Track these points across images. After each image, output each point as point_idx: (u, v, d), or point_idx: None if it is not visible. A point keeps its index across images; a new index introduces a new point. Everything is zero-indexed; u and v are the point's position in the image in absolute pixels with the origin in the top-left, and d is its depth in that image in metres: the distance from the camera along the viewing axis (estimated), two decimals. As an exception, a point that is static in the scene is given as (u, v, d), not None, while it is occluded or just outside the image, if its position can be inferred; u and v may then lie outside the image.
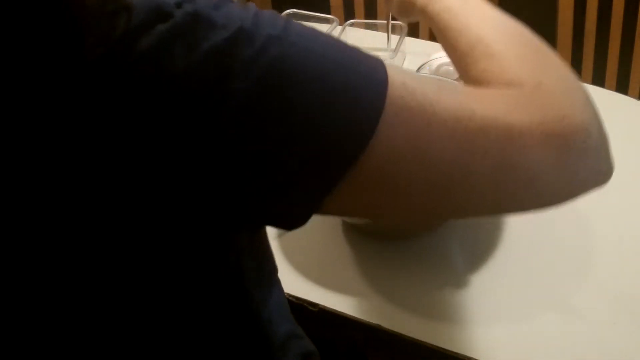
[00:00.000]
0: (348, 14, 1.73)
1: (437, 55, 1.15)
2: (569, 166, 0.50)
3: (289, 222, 0.47)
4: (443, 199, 0.48)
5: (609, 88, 1.18)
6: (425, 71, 1.09)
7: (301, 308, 0.83)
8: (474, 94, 0.51)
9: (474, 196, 0.49)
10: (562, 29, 1.54)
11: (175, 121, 0.40)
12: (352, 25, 1.28)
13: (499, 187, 0.49)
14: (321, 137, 0.43)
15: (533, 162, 0.48)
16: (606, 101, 1.10)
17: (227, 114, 0.40)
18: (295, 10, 1.33)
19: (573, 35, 1.53)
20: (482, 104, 0.48)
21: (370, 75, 0.45)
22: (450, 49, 0.61)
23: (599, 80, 1.51)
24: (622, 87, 1.49)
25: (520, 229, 0.89)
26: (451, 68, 1.12)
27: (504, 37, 0.58)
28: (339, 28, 1.26)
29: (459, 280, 0.83)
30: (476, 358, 0.74)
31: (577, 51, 1.55)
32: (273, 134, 0.42)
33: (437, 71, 1.10)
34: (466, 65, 0.58)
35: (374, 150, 0.44)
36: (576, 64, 1.57)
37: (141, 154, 0.41)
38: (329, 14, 1.33)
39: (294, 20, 0.45)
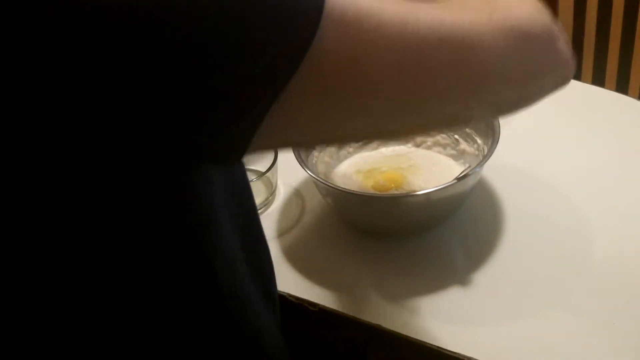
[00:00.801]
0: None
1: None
2: (526, 59, 0.49)
3: (230, 148, 0.43)
4: (395, 104, 0.45)
5: (609, 88, 1.18)
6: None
7: (301, 308, 0.83)
8: None
9: (432, 97, 0.46)
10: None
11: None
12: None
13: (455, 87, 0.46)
14: (256, 34, 0.38)
15: (490, 57, 0.46)
16: (606, 101, 1.10)
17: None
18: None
19: (573, 35, 1.53)
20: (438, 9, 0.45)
21: None
22: None
23: (599, 80, 1.51)
24: (622, 87, 1.49)
25: (520, 229, 0.89)
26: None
27: None
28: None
29: (459, 280, 0.83)
30: (476, 358, 0.74)
31: (577, 51, 1.54)
32: (205, 31, 0.38)
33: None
34: None
35: (317, 50, 0.40)
36: (576, 64, 1.56)
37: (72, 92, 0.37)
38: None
39: None
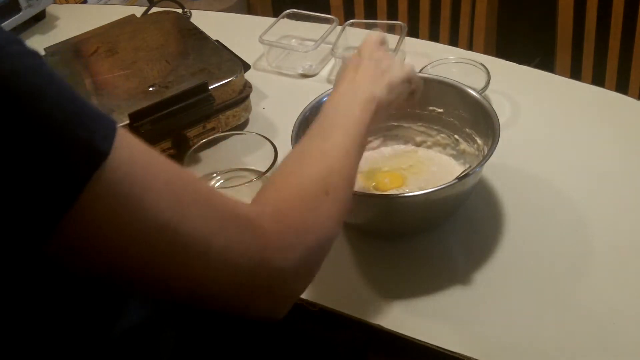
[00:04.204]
0: (348, 14, 1.73)
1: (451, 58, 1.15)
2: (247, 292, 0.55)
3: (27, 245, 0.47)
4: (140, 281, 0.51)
5: (609, 88, 1.18)
6: (427, 71, 1.09)
7: (301, 308, 0.83)
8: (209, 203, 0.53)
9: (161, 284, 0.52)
10: (562, 29, 1.54)
11: None
12: (352, 25, 1.28)
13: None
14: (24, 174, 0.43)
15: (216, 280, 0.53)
16: (606, 101, 1.10)
17: None
18: (295, 10, 1.33)
19: (573, 35, 1.53)
20: (200, 217, 0.51)
21: (94, 126, 0.46)
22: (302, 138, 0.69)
23: (599, 80, 1.51)
24: (622, 87, 1.49)
25: (521, 229, 0.89)
26: (453, 69, 1.12)
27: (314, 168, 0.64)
28: (339, 28, 1.27)
29: (459, 280, 0.83)
30: (476, 358, 0.74)
31: (577, 51, 1.55)
32: None
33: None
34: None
35: (78, 210, 0.45)
36: (576, 64, 1.57)
37: None
38: (329, 14, 1.33)
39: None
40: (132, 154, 0.48)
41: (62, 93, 0.46)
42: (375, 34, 0.83)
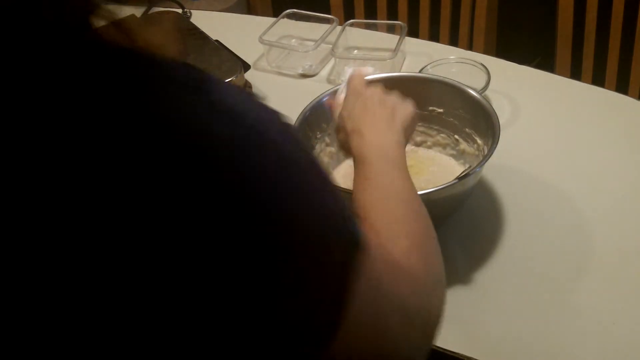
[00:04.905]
0: (348, 14, 1.73)
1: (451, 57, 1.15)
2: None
3: None
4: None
5: (609, 88, 1.18)
6: (427, 71, 1.09)
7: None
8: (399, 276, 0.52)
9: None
10: (562, 29, 1.54)
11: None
12: (352, 25, 1.28)
13: None
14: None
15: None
16: (606, 101, 1.10)
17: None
18: (295, 10, 1.33)
19: (573, 35, 1.53)
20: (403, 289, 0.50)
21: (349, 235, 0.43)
22: (358, 192, 0.66)
23: (599, 80, 1.51)
24: (622, 87, 1.48)
25: (521, 229, 0.89)
26: (453, 69, 1.12)
27: (407, 215, 0.64)
28: (339, 28, 1.27)
29: (459, 280, 0.83)
30: (476, 358, 0.74)
31: (577, 51, 1.55)
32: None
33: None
34: (364, 210, 0.63)
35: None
36: (576, 64, 1.57)
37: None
38: (329, 14, 1.33)
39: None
40: (373, 240, 0.46)
41: (325, 187, 0.44)
42: (357, 71, 0.81)
